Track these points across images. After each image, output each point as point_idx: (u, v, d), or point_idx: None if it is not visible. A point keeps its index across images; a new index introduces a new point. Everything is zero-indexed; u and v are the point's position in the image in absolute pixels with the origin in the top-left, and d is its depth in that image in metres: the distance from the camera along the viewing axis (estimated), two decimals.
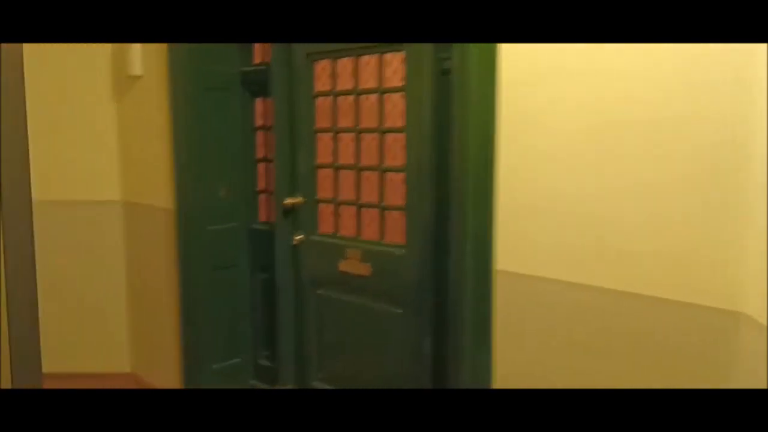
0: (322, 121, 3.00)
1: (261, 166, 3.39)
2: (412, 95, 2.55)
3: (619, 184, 1.84)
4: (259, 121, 3.37)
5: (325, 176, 3.03)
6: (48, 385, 3.45)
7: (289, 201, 3.07)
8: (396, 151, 2.71)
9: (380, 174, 2.77)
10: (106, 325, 3.80)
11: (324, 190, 3.04)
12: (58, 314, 3.76)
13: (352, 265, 2.88)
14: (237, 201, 3.37)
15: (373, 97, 2.77)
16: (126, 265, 3.74)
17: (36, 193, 3.66)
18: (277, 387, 3.24)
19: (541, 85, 1.98)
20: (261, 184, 3.40)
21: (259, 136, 3.38)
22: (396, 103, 2.68)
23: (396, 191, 2.73)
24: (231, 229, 3.37)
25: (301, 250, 3.11)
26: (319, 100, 3.00)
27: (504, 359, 2.17)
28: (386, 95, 2.71)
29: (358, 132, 2.85)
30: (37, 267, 2.03)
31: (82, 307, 3.80)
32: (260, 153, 3.38)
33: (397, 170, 2.71)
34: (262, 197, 3.41)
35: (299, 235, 3.09)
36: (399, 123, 2.67)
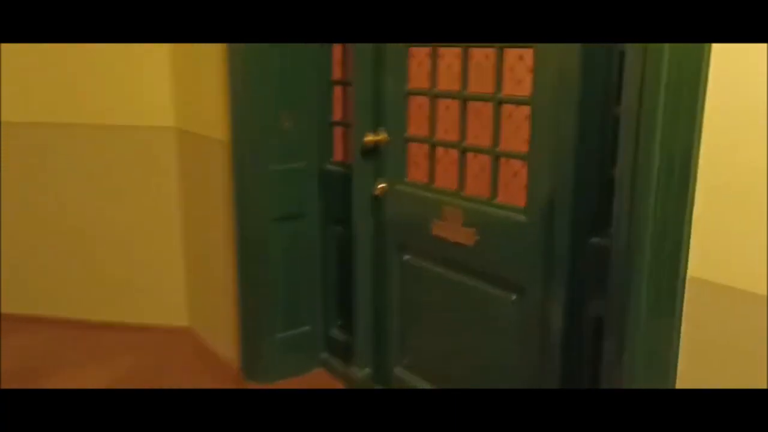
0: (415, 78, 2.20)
1: (337, 90, 2.64)
2: None
3: None
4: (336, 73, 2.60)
5: (418, 106, 2.26)
6: (102, 336, 2.96)
7: (370, 138, 2.33)
8: (520, 74, 1.89)
9: (495, 106, 1.96)
10: (161, 269, 3.27)
11: (416, 126, 2.27)
12: (111, 252, 3.27)
13: (450, 229, 2.13)
14: (306, 134, 2.66)
15: None
16: (182, 203, 3.16)
17: (83, 117, 3.12)
18: (353, 369, 2.61)
19: None
20: (337, 114, 2.66)
21: (336, 51, 2.61)
22: None
23: (517, 131, 1.93)
24: (298, 170, 2.67)
25: (384, 202, 2.39)
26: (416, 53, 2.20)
27: None
28: None
29: (467, 46, 2.03)
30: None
31: (134, 250, 3.28)
32: (337, 73, 2.62)
33: (519, 101, 1.90)
34: (337, 130, 2.67)
35: (382, 182, 2.37)
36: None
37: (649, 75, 1.31)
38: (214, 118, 2.71)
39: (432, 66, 2.15)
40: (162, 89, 3.03)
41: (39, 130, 3.18)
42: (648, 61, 1.31)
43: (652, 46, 1.30)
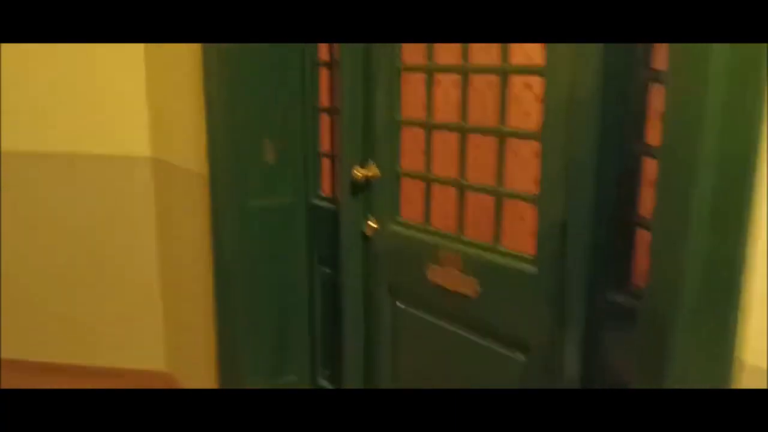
0: (411, 50, 1.97)
1: (325, 119, 2.42)
2: None
3: None
4: (324, 54, 2.37)
5: (412, 138, 2.03)
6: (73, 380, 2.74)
7: (359, 172, 2.09)
8: (528, 105, 1.67)
9: (499, 140, 1.73)
10: (136, 309, 3.02)
11: (410, 159, 2.04)
12: (82, 290, 3.02)
13: (448, 276, 1.89)
14: (291, 166, 2.43)
15: None
16: (159, 239, 2.92)
17: (60, 146, 2.89)
18: None
19: None
20: (325, 144, 2.43)
21: (323, 77, 2.39)
22: None
23: (525, 169, 1.70)
24: (282, 205, 2.44)
25: (375, 242, 2.15)
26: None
27: None
28: None
29: (467, 72, 1.80)
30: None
31: (108, 287, 3.04)
32: (324, 99, 2.40)
33: (526, 136, 1.67)
34: (325, 162, 2.44)
35: (373, 221, 2.13)
36: (535, 58, 1.61)
37: (694, 103, 1.08)
38: (190, 149, 2.49)
39: (427, 93, 1.92)
40: (138, 116, 2.80)
41: (7, 159, 2.95)
42: (692, 86, 1.08)
43: (696, 70, 1.07)
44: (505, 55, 1.66)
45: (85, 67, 2.75)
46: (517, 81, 1.68)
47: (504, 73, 1.68)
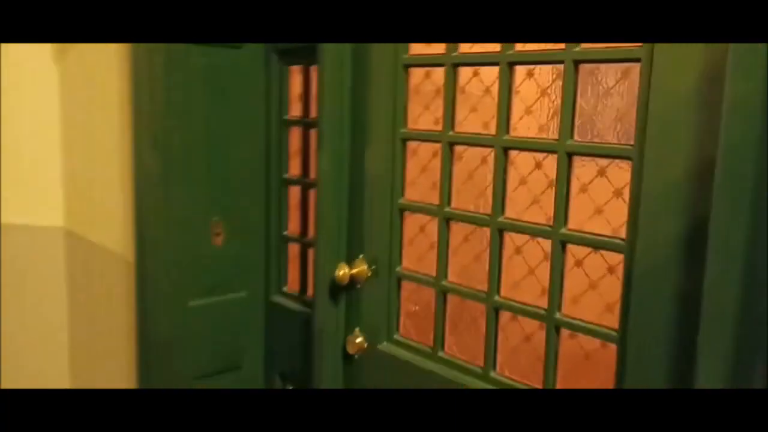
0: (420, 115, 1.46)
1: (294, 192, 1.86)
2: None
3: None
4: (294, 110, 1.83)
5: (418, 229, 1.50)
6: None
7: (343, 271, 1.54)
8: (602, 198, 1.16)
9: (556, 246, 1.20)
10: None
11: (415, 257, 1.50)
12: None
13: None
14: (247, 252, 1.85)
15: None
16: (72, 338, 2.27)
17: None
18: None
19: None
20: (293, 224, 1.87)
21: (294, 137, 1.85)
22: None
23: (592, 291, 1.18)
24: (234, 302, 1.85)
25: (361, 367, 1.59)
26: (417, 74, 1.47)
27: None
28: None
29: (506, 146, 1.28)
30: None
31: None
32: (294, 167, 1.85)
33: (599, 245, 1.14)
34: (293, 248, 1.88)
35: (358, 336, 1.57)
36: (606, 135, 1.12)
37: None
38: (115, 226, 1.89)
39: (443, 169, 1.40)
40: (51, 181, 2.18)
41: None
42: None
43: None
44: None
45: None
46: (586, 166, 1.17)
47: (567, 152, 1.17)
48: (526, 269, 1.29)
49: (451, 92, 1.36)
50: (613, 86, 1.14)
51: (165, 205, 1.72)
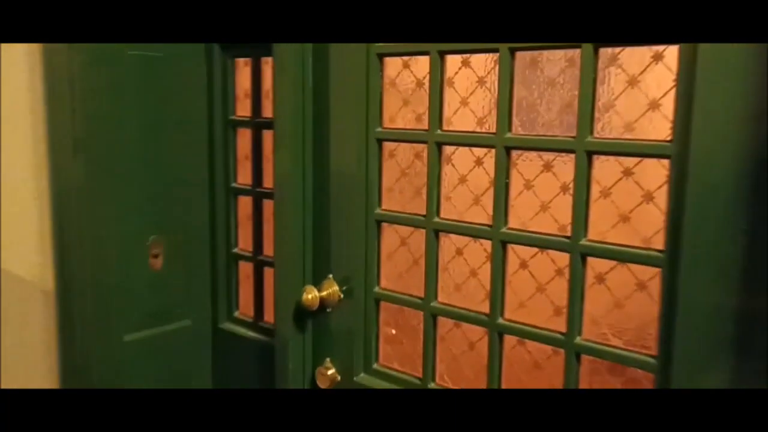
0: (397, 112, 1.28)
1: (244, 202, 1.63)
2: None
3: None
4: (242, 108, 1.60)
5: (399, 241, 1.31)
6: None
7: (312, 295, 1.33)
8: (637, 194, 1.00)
9: (576, 261, 1.04)
10: None
11: (395, 275, 1.31)
12: None
13: None
14: (190, 274, 1.60)
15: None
16: None
17: None
18: None
19: None
20: (244, 240, 1.64)
21: (242, 140, 1.61)
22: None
23: (613, 310, 1.02)
24: (176, 332, 1.59)
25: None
26: (393, 65, 1.28)
27: None
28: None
29: (508, 146, 1.10)
30: None
31: None
32: (244, 175, 1.61)
33: (634, 256, 0.98)
34: (245, 267, 1.64)
35: (330, 367, 1.37)
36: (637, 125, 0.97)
37: None
38: (28, 251, 1.60)
39: (430, 173, 1.21)
40: None
41: None
42: None
43: None
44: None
45: None
46: (607, 164, 1.01)
47: (588, 154, 1.01)
48: (534, 286, 1.12)
49: (437, 85, 1.18)
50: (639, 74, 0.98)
51: (90, 223, 1.45)
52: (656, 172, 0.95)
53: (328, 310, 1.35)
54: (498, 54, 1.07)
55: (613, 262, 1.02)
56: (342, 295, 1.34)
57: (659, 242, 0.93)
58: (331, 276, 1.35)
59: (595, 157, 1.00)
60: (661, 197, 0.95)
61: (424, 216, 1.21)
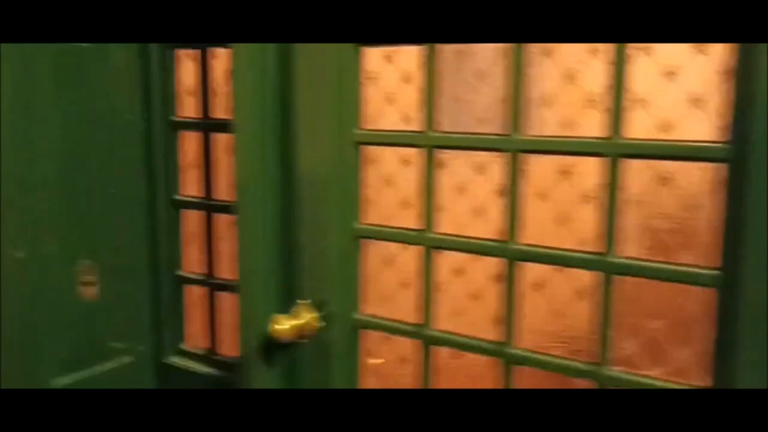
0: (379, 111, 1.11)
1: (192, 218, 1.41)
2: None
3: None
4: (186, 108, 1.39)
5: (382, 260, 1.15)
6: None
7: (283, 324, 1.14)
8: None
9: (606, 278, 0.91)
10: None
11: (379, 298, 1.15)
12: None
13: None
14: (126, 303, 1.37)
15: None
16: None
17: None
18: None
19: None
20: (191, 260, 1.42)
21: (188, 144, 1.40)
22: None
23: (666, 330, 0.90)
24: (113, 374, 1.36)
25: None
26: (372, 57, 1.12)
27: None
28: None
29: (517, 149, 0.96)
30: None
31: None
32: (189, 185, 1.40)
33: (689, 276, 0.87)
34: (193, 292, 1.43)
35: None
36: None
37: None
38: None
39: (426, 178, 1.05)
40: None
41: None
42: None
43: None
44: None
45: None
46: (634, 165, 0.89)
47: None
48: (550, 307, 0.99)
49: (430, 78, 1.02)
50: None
51: (4, 247, 1.20)
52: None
53: (303, 340, 1.17)
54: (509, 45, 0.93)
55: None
56: (317, 323, 1.16)
57: (716, 259, 0.82)
58: (304, 301, 1.17)
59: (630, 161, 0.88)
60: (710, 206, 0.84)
61: (418, 230, 1.06)
